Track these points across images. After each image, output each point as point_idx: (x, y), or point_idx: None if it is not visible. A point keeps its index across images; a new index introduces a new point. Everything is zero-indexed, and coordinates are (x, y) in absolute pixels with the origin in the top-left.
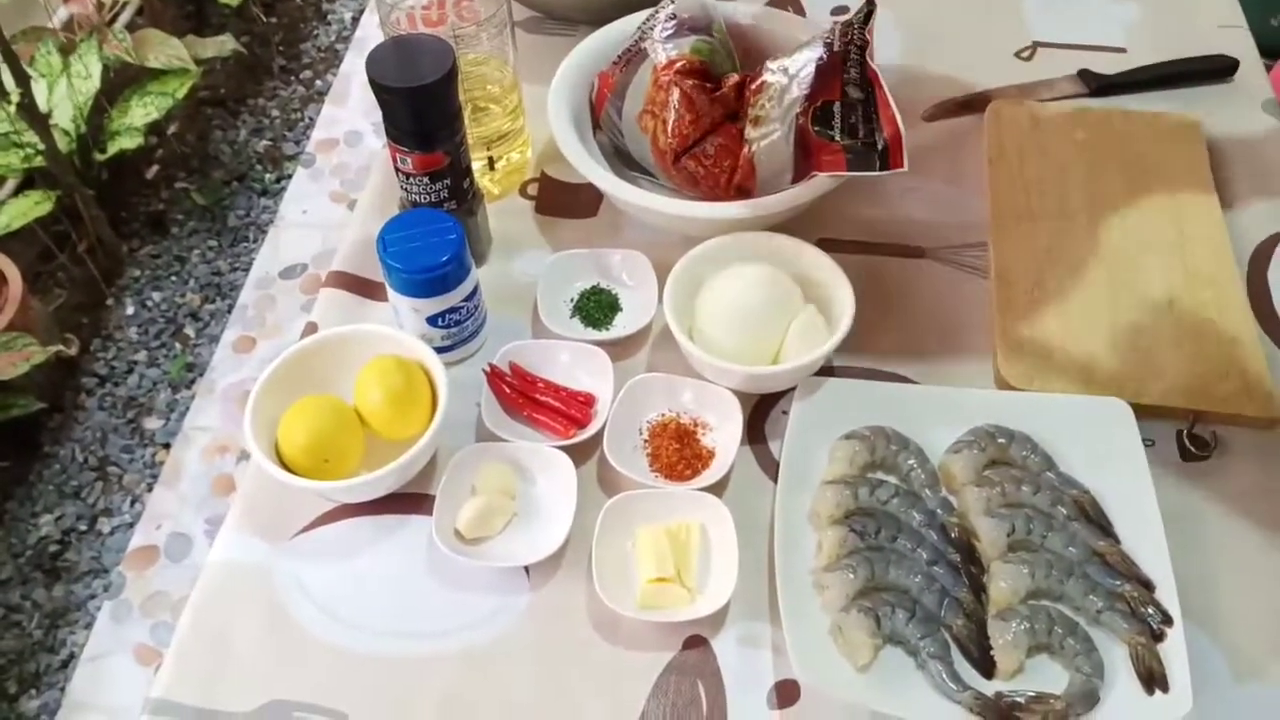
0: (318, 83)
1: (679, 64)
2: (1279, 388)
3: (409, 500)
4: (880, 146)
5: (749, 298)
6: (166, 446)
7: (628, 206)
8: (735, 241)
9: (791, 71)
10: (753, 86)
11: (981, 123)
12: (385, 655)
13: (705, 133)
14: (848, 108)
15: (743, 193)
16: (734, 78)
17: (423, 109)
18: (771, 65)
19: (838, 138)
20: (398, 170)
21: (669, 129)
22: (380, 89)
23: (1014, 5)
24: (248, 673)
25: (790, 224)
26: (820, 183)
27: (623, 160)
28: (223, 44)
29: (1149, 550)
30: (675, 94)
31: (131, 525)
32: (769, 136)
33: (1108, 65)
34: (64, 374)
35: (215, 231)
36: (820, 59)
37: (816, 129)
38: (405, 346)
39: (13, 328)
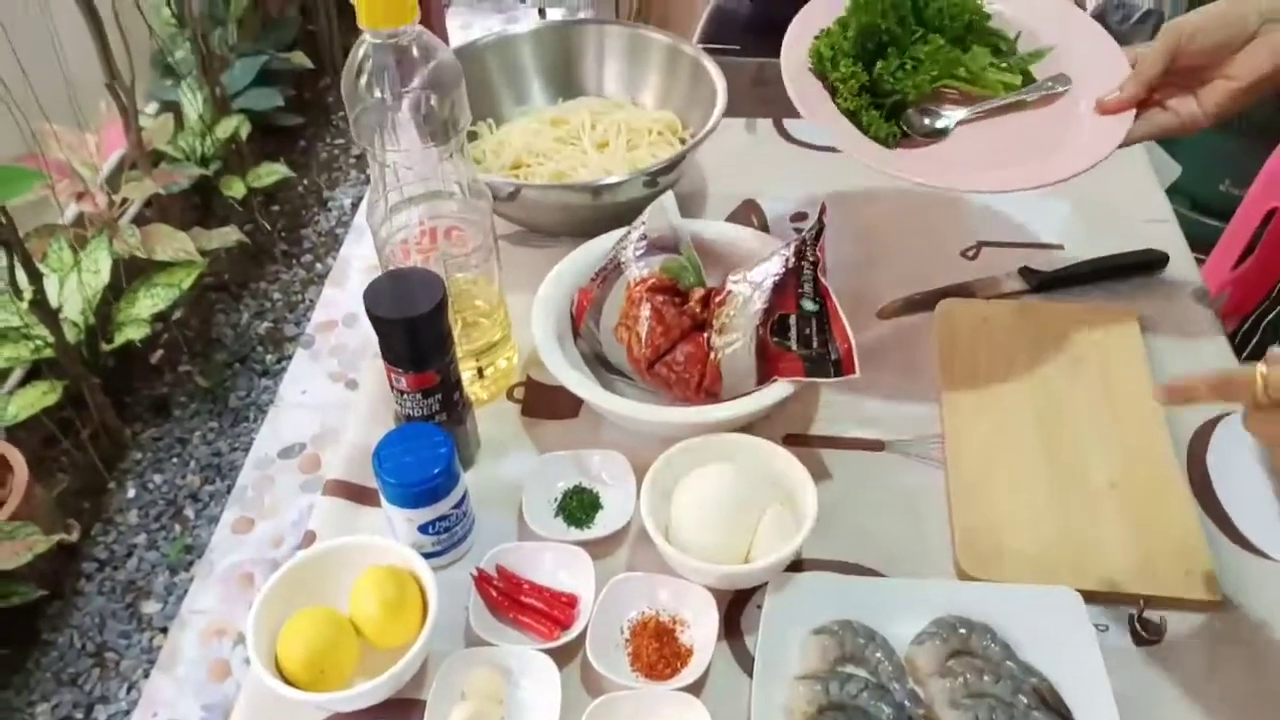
0: (318, 266)
1: (650, 281)
2: (1222, 571)
3: (401, 706)
4: (834, 357)
5: (720, 497)
6: (164, 630)
7: (604, 412)
8: (705, 443)
9: (753, 282)
10: (718, 299)
11: (933, 319)
12: None
13: (675, 342)
14: (803, 320)
15: (711, 396)
16: (700, 291)
17: (416, 336)
18: (734, 278)
19: (794, 348)
20: (393, 387)
21: (642, 340)
22: (377, 320)
23: (957, 209)
24: None
25: (757, 423)
26: (782, 387)
27: (602, 364)
28: (227, 235)
29: None
30: (646, 309)
31: (128, 713)
32: (732, 345)
33: (1047, 261)
34: (64, 559)
35: (216, 413)
36: (778, 274)
37: (775, 339)
38: (398, 556)
39: (17, 516)
